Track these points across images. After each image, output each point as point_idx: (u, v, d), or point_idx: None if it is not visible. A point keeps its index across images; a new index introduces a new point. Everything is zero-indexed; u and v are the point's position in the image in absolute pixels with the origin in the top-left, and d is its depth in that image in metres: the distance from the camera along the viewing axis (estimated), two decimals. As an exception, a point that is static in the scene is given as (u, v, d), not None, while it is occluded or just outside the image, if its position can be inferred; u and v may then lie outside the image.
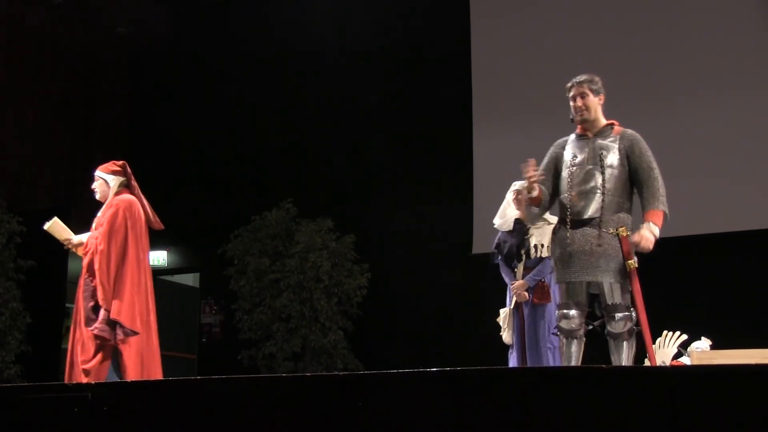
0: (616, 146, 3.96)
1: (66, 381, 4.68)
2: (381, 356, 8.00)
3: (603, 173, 3.91)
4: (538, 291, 5.13)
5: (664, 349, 5.00)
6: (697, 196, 7.12)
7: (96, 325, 4.68)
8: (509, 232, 5.34)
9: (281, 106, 9.98)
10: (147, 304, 4.86)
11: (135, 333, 4.69)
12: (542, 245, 5.11)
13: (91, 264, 4.80)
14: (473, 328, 7.74)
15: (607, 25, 8.14)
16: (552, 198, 4.13)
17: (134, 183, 5.06)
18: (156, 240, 9.76)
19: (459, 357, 7.30)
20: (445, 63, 9.21)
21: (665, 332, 5.06)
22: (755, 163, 7.30)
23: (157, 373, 4.80)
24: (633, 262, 3.85)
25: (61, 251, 5.49)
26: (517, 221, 5.32)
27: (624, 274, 3.86)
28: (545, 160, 4.13)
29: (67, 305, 8.51)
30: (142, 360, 4.76)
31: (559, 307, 4.02)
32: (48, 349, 8.50)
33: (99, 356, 4.69)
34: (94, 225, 5.00)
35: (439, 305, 8.50)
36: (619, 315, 3.86)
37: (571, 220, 3.94)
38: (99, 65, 10.61)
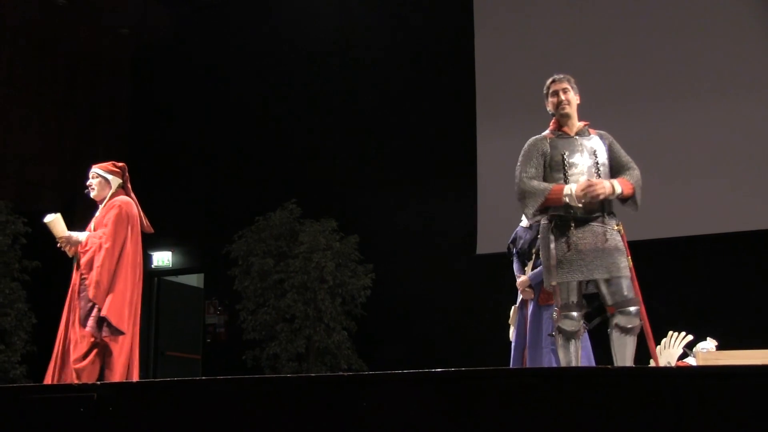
0: (603, 145, 4.07)
1: (53, 382, 4.68)
2: (385, 357, 7.98)
3: (598, 172, 3.98)
4: (544, 292, 5.05)
5: (670, 350, 5.00)
6: (708, 196, 7.11)
7: (88, 322, 4.69)
8: (527, 228, 5.33)
9: (284, 107, 9.99)
10: (136, 305, 4.86)
11: (121, 332, 4.68)
12: None
13: (90, 261, 4.79)
14: (477, 328, 7.73)
15: (611, 24, 8.13)
16: None
17: (129, 186, 5.10)
18: (160, 241, 9.90)
19: (463, 357, 7.30)
20: (449, 62, 9.20)
21: (671, 332, 5.06)
22: (761, 164, 7.29)
23: (135, 375, 4.80)
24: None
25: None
26: None
27: (628, 268, 3.90)
28: (534, 160, 4.11)
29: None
30: (130, 361, 4.76)
31: (561, 308, 3.95)
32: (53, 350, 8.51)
33: (91, 356, 4.68)
34: (92, 225, 4.98)
35: (442, 305, 8.49)
36: (633, 309, 3.87)
37: (575, 219, 3.95)
38: (103, 66, 10.63)
